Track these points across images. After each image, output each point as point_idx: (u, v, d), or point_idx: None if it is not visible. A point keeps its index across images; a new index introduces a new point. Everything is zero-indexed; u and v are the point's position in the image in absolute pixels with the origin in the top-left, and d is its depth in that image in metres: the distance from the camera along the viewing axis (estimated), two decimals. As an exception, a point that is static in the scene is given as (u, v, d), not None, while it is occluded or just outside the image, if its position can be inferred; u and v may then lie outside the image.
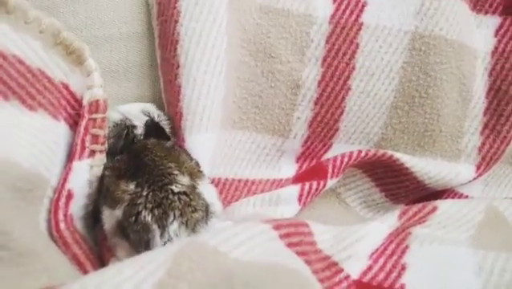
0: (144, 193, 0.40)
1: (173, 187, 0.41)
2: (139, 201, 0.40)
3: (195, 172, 0.44)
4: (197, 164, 0.47)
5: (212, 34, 0.50)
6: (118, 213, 0.41)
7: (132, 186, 0.41)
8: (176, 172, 0.42)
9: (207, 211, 0.42)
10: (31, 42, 0.44)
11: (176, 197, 0.40)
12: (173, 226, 0.39)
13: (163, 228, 0.39)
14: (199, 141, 0.51)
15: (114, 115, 0.48)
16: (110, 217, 0.41)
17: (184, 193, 0.41)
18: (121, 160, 0.45)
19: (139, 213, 0.39)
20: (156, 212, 0.39)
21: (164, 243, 0.39)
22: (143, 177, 0.41)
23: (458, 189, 0.61)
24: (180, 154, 0.46)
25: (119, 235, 0.41)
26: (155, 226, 0.39)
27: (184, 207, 0.40)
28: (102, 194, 0.44)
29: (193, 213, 0.40)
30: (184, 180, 0.42)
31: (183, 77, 0.50)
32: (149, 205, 0.39)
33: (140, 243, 0.39)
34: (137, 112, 0.49)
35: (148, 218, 0.39)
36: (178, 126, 0.51)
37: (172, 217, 0.39)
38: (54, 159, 0.44)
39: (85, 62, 0.46)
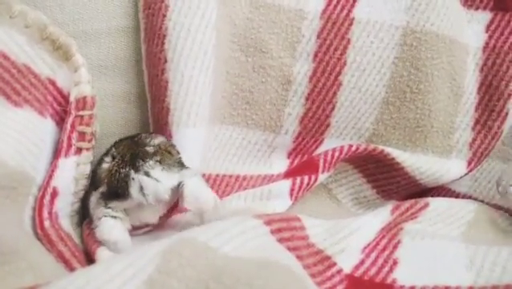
0: (121, 153, 0.43)
1: (147, 148, 0.44)
2: (117, 159, 0.43)
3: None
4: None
5: (200, 30, 0.50)
6: (102, 186, 0.43)
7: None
8: (148, 140, 0.46)
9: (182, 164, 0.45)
10: (16, 37, 0.43)
11: (151, 149, 0.44)
12: (148, 163, 0.42)
13: (137, 168, 0.42)
14: (187, 136, 0.50)
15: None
16: (95, 197, 0.44)
17: (158, 146, 0.44)
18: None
19: (119, 166, 0.42)
20: (132, 160, 0.42)
21: (140, 184, 0.41)
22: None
23: (447, 185, 0.61)
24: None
25: (102, 204, 0.43)
26: (129, 168, 0.42)
27: (158, 151, 0.44)
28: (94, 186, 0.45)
29: (169, 154, 0.44)
30: (159, 140, 0.46)
31: (170, 72, 0.50)
32: (126, 158, 0.43)
33: (121, 190, 0.42)
34: None
35: (124, 164, 0.42)
36: (165, 121, 0.51)
37: (147, 159, 0.43)
38: (40, 156, 0.43)
39: (72, 57, 0.46)
